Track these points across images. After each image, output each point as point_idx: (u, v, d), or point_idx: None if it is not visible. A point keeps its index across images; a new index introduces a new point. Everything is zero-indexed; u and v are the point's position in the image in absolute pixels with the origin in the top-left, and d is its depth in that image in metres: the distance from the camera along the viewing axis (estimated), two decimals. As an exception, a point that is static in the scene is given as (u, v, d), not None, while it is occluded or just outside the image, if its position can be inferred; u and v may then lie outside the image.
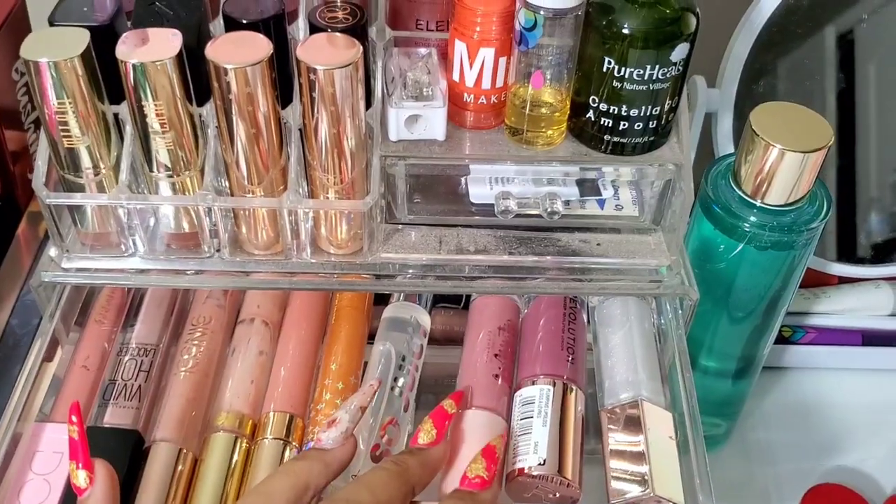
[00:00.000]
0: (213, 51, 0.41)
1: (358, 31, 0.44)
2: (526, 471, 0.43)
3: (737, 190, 0.49)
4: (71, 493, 0.42)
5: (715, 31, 0.57)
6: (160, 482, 0.44)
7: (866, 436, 0.63)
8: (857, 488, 0.57)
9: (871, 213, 0.65)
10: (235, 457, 0.46)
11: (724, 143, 0.60)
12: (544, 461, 0.43)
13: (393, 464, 0.38)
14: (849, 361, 0.67)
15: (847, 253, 0.66)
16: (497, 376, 0.47)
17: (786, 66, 0.61)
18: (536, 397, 0.46)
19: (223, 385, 0.49)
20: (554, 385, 0.46)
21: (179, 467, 0.45)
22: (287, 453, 0.46)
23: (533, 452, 0.43)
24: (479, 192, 0.49)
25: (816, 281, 0.67)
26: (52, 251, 0.48)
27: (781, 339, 0.66)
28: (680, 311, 0.49)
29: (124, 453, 0.45)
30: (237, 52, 0.41)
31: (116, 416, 0.46)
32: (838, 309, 0.67)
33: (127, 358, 0.48)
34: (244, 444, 0.47)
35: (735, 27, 0.59)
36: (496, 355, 0.48)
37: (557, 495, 0.44)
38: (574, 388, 0.46)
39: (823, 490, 0.57)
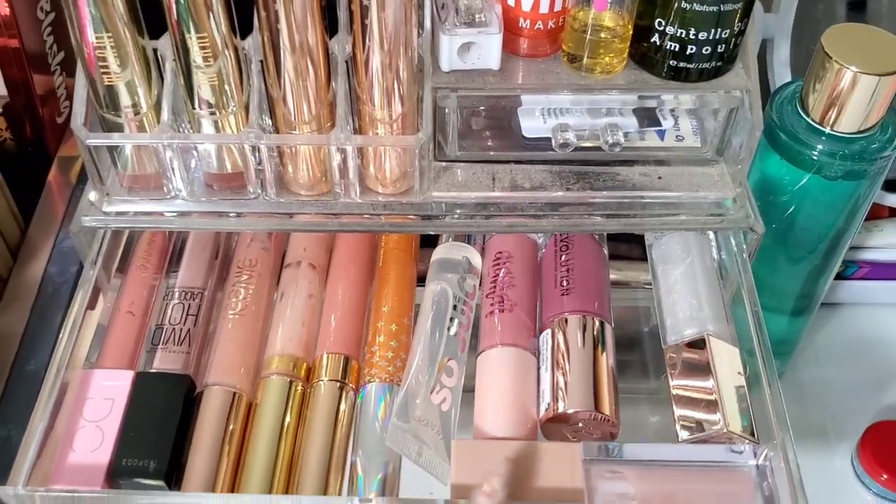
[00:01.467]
0: (258, -22, 0.38)
1: (408, -46, 0.42)
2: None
3: (805, 117, 0.46)
4: (125, 439, 0.41)
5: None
6: (215, 427, 0.43)
7: (923, 371, 0.62)
8: (917, 424, 0.56)
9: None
10: (291, 400, 0.45)
11: (781, 72, 0.58)
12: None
13: None
14: (903, 296, 0.65)
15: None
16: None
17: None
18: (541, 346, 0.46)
19: (273, 329, 0.47)
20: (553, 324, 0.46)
21: (234, 412, 0.44)
22: (343, 395, 0.45)
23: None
24: (531, 125, 0.47)
25: (869, 214, 0.65)
26: (91, 195, 0.46)
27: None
28: (744, 246, 0.47)
29: (177, 398, 0.43)
30: (284, -21, 0.38)
31: (166, 362, 0.45)
32: (892, 242, 0.65)
33: (174, 302, 0.47)
34: (299, 388, 0.45)
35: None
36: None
37: (598, 432, 0.44)
38: (577, 317, 0.46)
39: (884, 427, 0.56)
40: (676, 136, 0.47)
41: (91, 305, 0.46)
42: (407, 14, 0.39)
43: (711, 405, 0.42)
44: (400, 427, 0.42)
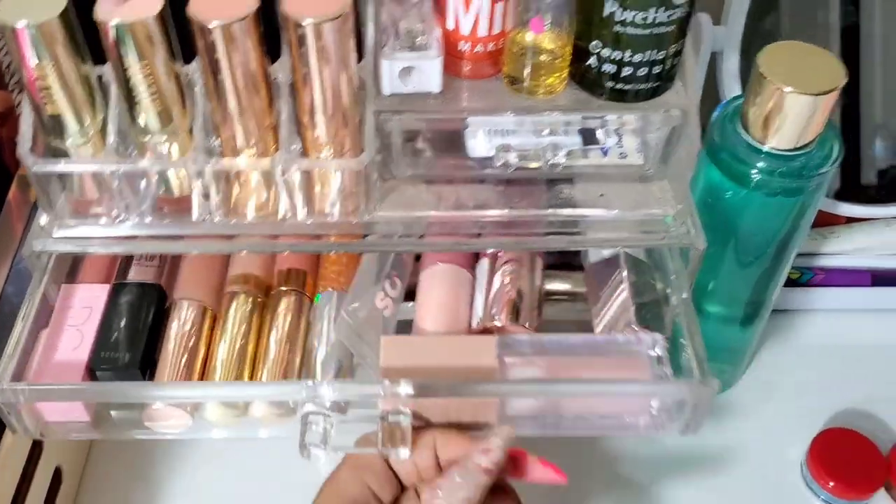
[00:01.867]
0: (195, 7, 0.39)
1: (347, -21, 0.42)
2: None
3: (744, 135, 0.47)
4: (102, 337, 0.47)
5: (719, -35, 0.55)
6: (184, 334, 0.49)
7: (876, 378, 0.63)
8: (867, 431, 0.57)
9: (880, 150, 0.64)
10: (254, 310, 0.50)
11: (730, 84, 0.58)
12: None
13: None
14: (858, 302, 0.66)
15: (855, 193, 0.64)
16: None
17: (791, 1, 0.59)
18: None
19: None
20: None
21: (202, 322, 0.50)
22: (300, 302, 0.51)
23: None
24: (477, 144, 0.47)
25: (824, 221, 0.66)
26: (42, 219, 0.47)
27: (789, 282, 0.65)
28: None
29: (150, 303, 0.49)
30: (221, 8, 0.39)
31: (139, 274, 0.50)
32: (847, 249, 0.66)
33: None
34: (259, 299, 0.51)
35: (741, -39, 0.56)
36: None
37: None
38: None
39: (832, 435, 0.57)
40: (620, 154, 0.48)
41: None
42: (343, 41, 0.39)
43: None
44: (347, 322, 0.47)
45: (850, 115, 0.63)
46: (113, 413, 0.48)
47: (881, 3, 0.59)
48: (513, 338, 0.46)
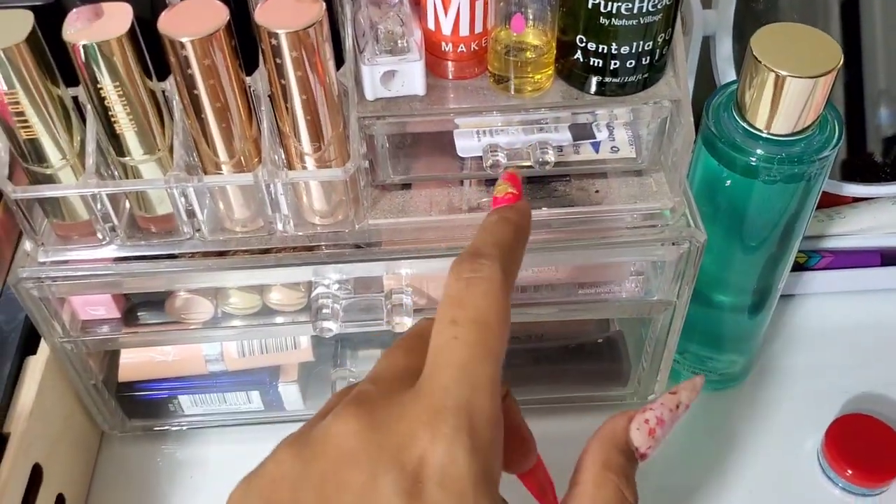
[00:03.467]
0: (166, 23, 0.38)
1: (321, -16, 0.41)
2: None
3: (741, 121, 0.46)
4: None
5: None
6: None
7: (891, 358, 0.61)
8: (883, 415, 0.55)
9: (885, 118, 0.62)
10: None
11: (725, 69, 0.57)
12: None
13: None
14: (868, 283, 0.64)
15: (860, 172, 0.63)
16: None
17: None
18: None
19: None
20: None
21: None
22: None
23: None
24: (467, 144, 0.46)
25: (829, 202, 0.64)
26: (27, 245, 0.46)
27: (797, 266, 0.63)
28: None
29: None
30: (192, 23, 0.38)
31: None
32: (854, 229, 0.64)
33: None
34: None
35: (730, -59, 0.55)
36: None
37: None
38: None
39: (848, 421, 0.55)
40: (612, 148, 0.47)
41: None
42: (318, 50, 0.38)
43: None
44: None
45: (853, 89, 0.61)
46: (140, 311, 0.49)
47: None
48: None
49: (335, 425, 0.27)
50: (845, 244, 0.64)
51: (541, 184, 0.47)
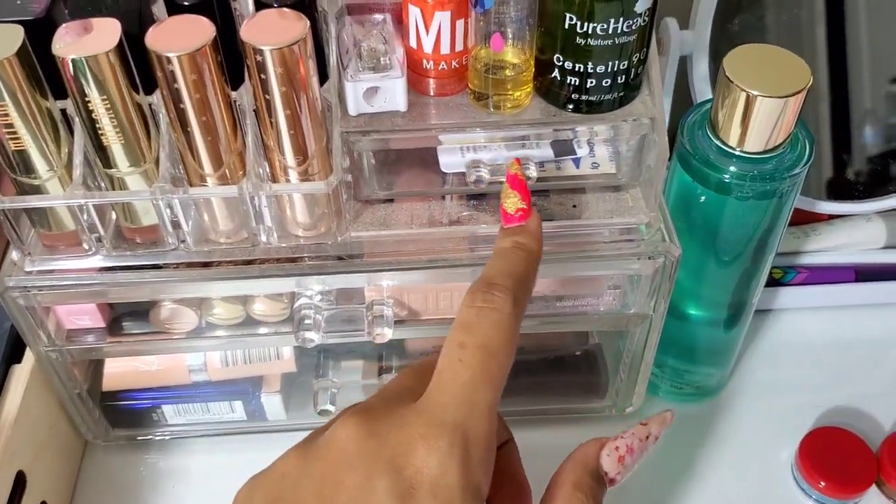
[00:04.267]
0: (153, 39, 0.39)
1: (305, 3, 0.42)
2: None
3: (714, 139, 0.47)
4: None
5: (685, -31, 0.55)
6: None
7: (864, 373, 0.63)
8: (856, 428, 0.57)
9: (862, 143, 0.64)
10: None
11: (702, 87, 0.58)
12: None
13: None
14: (843, 298, 0.65)
15: (835, 190, 0.64)
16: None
17: (760, 1, 0.59)
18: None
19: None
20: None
21: None
22: None
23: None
24: (450, 160, 0.47)
25: (806, 218, 0.66)
26: (13, 255, 0.47)
27: (773, 282, 0.65)
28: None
29: None
30: (179, 38, 0.39)
31: None
32: (830, 246, 0.66)
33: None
34: None
35: (706, -36, 0.56)
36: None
37: None
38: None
39: (822, 434, 0.56)
40: (592, 164, 0.48)
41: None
42: (302, 66, 0.39)
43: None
44: None
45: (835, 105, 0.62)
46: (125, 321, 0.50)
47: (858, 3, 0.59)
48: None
49: (338, 430, 0.29)
50: (821, 260, 0.65)
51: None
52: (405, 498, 0.27)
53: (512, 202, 0.38)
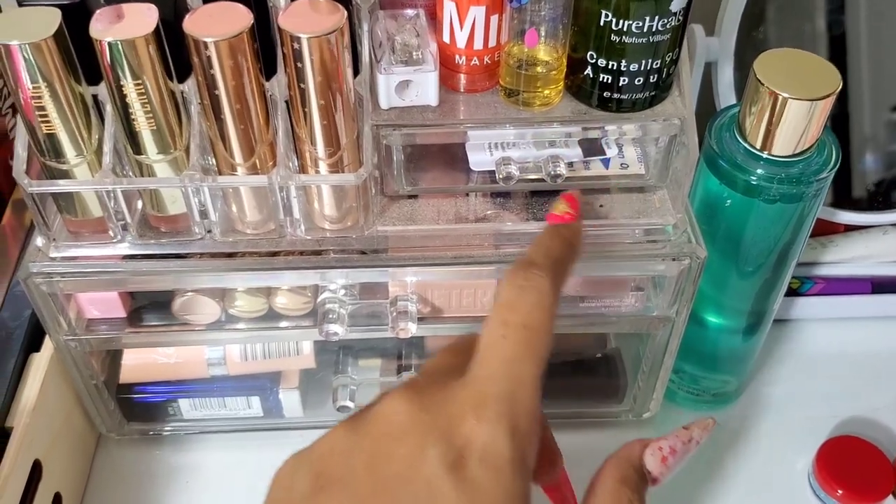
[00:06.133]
0: (191, 24, 0.39)
1: (341, -5, 0.42)
2: None
3: (742, 142, 0.47)
4: None
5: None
6: None
7: (879, 384, 0.63)
8: (873, 438, 0.56)
9: (874, 157, 0.64)
10: None
11: (726, 94, 0.58)
12: None
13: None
14: (859, 310, 0.65)
15: (853, 200, 0.64)
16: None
17: (785, 10, 0.59)
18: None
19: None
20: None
21: None
22: None
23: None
24: (479, 158, 0.47)
25: (823, 230, 0.66)
26: (38, 241, 0.46)
27: (790, 292, 0.65)
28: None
29: None
30: (216, 25, 0.39)
31: None
32: (846, 257, 0.66)
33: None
34: None
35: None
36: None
37: None
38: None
39: (839, 443, 0.56)
40: (621, 164, 0.48)
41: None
42: (338, 56, 0.39)
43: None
44: None
45: (842, 121, 0.63)
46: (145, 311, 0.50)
47: (866, 17, 0.60)
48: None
49: (387, 405, 0.29)
50: (837, 272, 0.65)
51: (548, 198, 0.48)
52: (456, 466, 0.27)
53: (561, 207, 0.39)
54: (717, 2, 0.57)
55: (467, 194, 0.49)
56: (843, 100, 0.62)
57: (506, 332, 0.30)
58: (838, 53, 0.61)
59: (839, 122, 0.63)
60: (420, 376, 0.32)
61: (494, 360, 0.30)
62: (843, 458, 0.55)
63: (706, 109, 0.58)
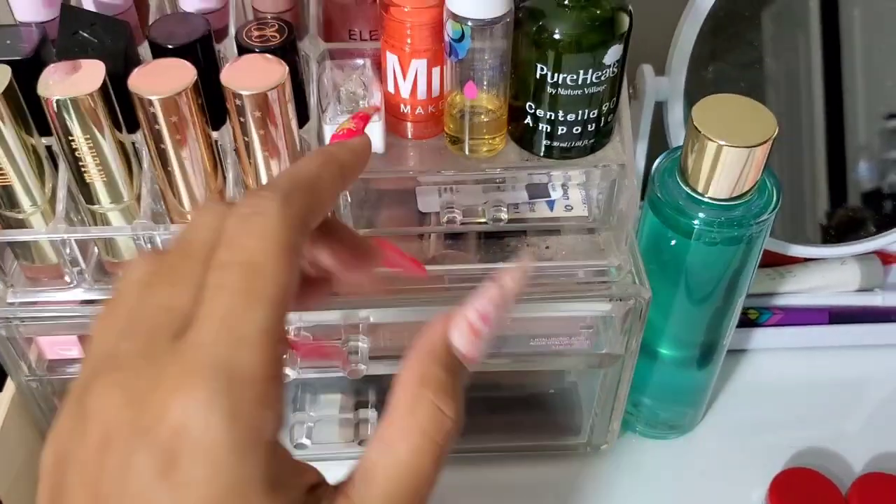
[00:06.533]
0: (136, 81, 0.40)
1: (287, 48, 0.43)
2: None
3: (684, 186, 0.48)
4: None
5: (661, 16, 0.56)
6: None
7: (835, 415, 0.63)
8: (827, 469, 0.57)
9: (868, 166, 0.64)
10: None
11: (677, 133, 0.59)
12: None
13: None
14: (816, 340, 0.66)
15: (808, 235, 0.65)
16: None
17: (734, 49, 0.60)
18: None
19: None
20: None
21: None
22: None
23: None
24: (428, 200, 0.48)
25: (781, 260, 0.67)
26: (-4, 286, 0.47)
27: (748, 322, 0.66)
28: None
29: None
30: (161, 81, 0.40)
31: None
32: (804, 288, 0.67)
33: None
34: None
35: (682, 12, 0.58)
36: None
37: None
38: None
39: (792, 475, 0.57)
40: (566, 206, 0.49)
41: None
42: (280, 110, 0.40)
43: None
44: None
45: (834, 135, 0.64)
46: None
47: (822, 54, 0.61)
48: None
49: (92, 401, 0.24)
50: (795, 302, 0.66)
51: (496, 239, 0.49)
52: (167, 471, 0.22)
53: (345, 125, 0.37)
54: (667, 41, 0.58)
55: (420, 236, 0.50)
56: (837, 108, 0.63)
57: (222, 278, 0.24)
58: (832, 63, 0.62)
59: (834, 130, 0.63)
60: (131, 342, 0.25)
61: (208, 318, 0.24)
62: (795, 490, 0.56)
63: (659, 147, 0.60)
